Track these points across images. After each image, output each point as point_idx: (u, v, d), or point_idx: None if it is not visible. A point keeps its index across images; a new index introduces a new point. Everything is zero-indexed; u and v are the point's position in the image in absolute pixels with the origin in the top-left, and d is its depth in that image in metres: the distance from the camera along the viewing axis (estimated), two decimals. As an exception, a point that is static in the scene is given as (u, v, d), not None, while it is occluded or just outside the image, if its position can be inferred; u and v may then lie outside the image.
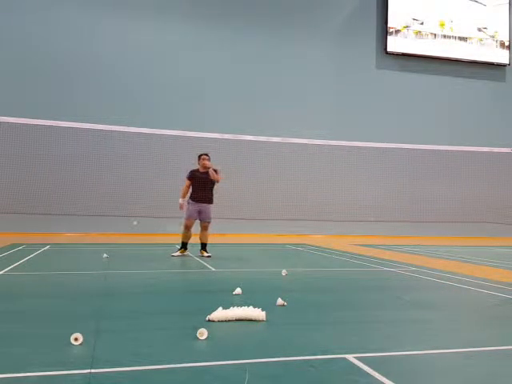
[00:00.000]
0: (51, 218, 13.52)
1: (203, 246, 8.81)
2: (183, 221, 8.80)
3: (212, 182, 8.75)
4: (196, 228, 8.86)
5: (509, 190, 16.85)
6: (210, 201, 8.75)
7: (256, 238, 14.15)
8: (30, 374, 2.41)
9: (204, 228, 8.76)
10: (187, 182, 8.75)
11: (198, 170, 8.80)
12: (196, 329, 3.12)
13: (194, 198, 8.68)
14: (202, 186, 8.65)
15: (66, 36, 15.64)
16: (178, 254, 8.65)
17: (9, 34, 15.19)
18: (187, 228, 8.71)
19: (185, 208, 8.69)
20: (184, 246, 8.78)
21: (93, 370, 2.46)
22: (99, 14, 15.87)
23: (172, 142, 12.98)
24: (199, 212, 8.68)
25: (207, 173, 8.69)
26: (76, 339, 2.91)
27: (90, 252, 9.49)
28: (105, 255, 8.10)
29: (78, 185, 14.21)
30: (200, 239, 8.83)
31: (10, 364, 2.57)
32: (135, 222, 14.36)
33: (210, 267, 7.14)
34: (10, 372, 2.43)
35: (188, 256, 8.65)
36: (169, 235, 12.67)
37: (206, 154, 8.81)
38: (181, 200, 8.71)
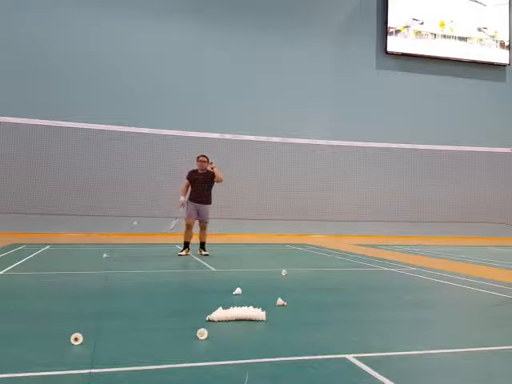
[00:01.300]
0: (51, 218, 13.52)
1: (202, 245, 9.01)
2: (184, 221, 8.94)
3: (210, 183, 8.94)
4: (195, 229, 8.97)
5: (509, 190, 16.85)
6: (207, 201, 8.94)
7: (256, 238, 14.15)
8: (30, 374, 2.41)
9: (203, 227, 8.98)
10: (186, 182, 8.98)
11: (196, 171, 8.99)
12: (196, 329, 3.12)
13: (192, 198, 8.89)
14: (199, 186, 8.85)
15: (66, 36, 15.64)
16: (184, 253, 8.82)
17: (9, 33, 15.18)
18: (188, 227, 8.88)
19: (183, 207, 8.87)
20: (187, 245, 8.92)
21: (93, 370, 2.46)
22: (99, 14, 15.86)
23: (172, 142, 12.98)
24: (198, 212, 8.87)
25: (205, 174, 8.92)
26: (76, 339, 2.91)
27: (90, 252, 9.49)
28: (105, 255, 8.11)
29: (77, 185, 14.21)
30: (199, 238, 9.03)
31: (10, 364, 2.57)
32: (135, 222, 14.35)
33: (210, 267, 7.14)
34: (10, 372, 2.43)
35: (188, 256, 8.66)
36: (168, 235, 12.65)
37: (204, 156, 9.00)
38: (182, 198, 8.88)
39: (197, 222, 8.95)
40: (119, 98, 15.68)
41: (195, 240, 9.00)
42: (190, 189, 8.96)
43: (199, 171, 8.94)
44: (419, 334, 3.44)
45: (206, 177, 8.89)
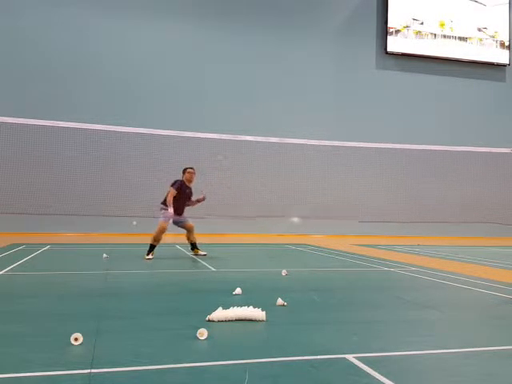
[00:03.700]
0: (51, 218, 13.53)
1: (194, 246, 8.77)
2: (159, 223, 8.35)
3: (189, 198, 8.69)
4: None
5: (508, 190, 16.85)
6: (184, 212, 8.66)
7: (256, 238, 14.14)
8: (30, 374, 2.41)
9: (191, 228, 8.62)
10: (174, 193, 8.35)
11: (184, 184, 8.59)
12: (196, 329, 3.12)
13: (174, 209, 8.32)
14: (183, 200, 8.54)
15: (66, 36, 15.64)
16: (151, 256, 8.17)
17: (8, 33, 15.18)
18: (162, 231, 8.31)
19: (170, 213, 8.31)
20: (153, 248, 8.29)
21: (93, 370, 2.46)
22: (99, 14, 15.87)
23: (171, 143, 12.98)
24: (176, 222, 8.58)
25: (190, 188, 8.64)
26: (76, 339, 2.91)
27: (90, 252, 9.49)
28: (105, 255, 8.10)
29: (77, 185, 14.21)
30: (189, 239, 8.72)
31: (10, 364, 2.56)
32: (134, 223, 14.38)
33: (210, 267, 7.14)
34: (10, 372, 2.43)
35: (187, 256, 8.66)
36: (168, 235, 12.65)
37: (192, 168, 8.69)
38: (171, 210, 8.23)
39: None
40: (119, 98, 15.69)
41: (184, 240, 8.89)
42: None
43: (186, 184, 8.58)
44: (419, 334, 3.44)
45: (189, 191, 8.63)
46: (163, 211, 8.35)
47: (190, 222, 8.68)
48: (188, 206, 8.74)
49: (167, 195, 8.38)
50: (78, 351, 2.81)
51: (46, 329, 3.35)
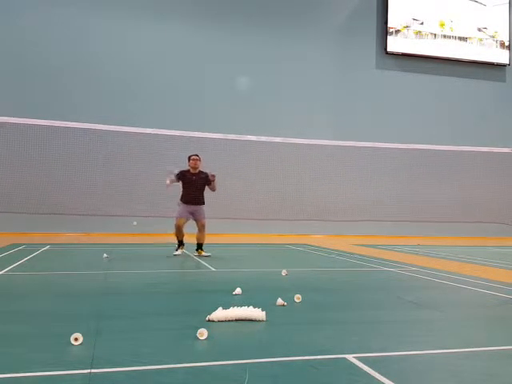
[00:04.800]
0: (51, 217, 13.51)
1: (200, 246, 8.79)
2: (174, 220, 8.68)
3: (203, 184, 8.68)
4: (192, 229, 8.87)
5: (509, 190, 16.84)
6: (201, 202, 8.68)
7: (256, 238, 14.14)
8: (30, 374, 2.41)
9: (202, 227, 8.68)
10: (174, 179, 8.70)
11: (188, 171, 8.69)
12: (196, 329, 3.12)
13: (185, 200, 8.57)
14: (192, 187, 8.55)
15: (66, 36, 15.63)
16: (179, 251, 8.67)
17: (7, 33, 15.18)
18: (178, 228, 8.61)
19: (169, 181, 8.57)
20: (181, 243, 8.77)
21: (93, 370, 2.46)
22: (99, 14, 15.86)
23: (172, 143, 12.96)
24: (192, 213, 8.62)
25: (198, 174, 8.66)
26: (76, 339, 2.91)
27: (90, 252, 9.49)
28: (105, 255, 8.10)
29: (77, 185, 14.19)
30: (198, 239, 8.78)
31: (10, 364, 2.56)
32: (135, 223, 14.37)
33: (210, 267, 7.14)
34: (10, 372, 2.43)
35: (188, 256, 8.66)
36: (168, 235, 12.65)
37: (196, 155, 8.75)
38: (168, 181, 8.55)
39: (192, 222, 8.75)
40: (119, 99, 15.68)
41: (191, 240, 8.91)
42: (181, 189, 8.70)
43: (191, 171, 8.65)
44: (419, 334, 3.44)
45: (198, 178, 8.62)
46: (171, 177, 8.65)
47: (204, 220, 8.69)
48: (212, 189, 8.79)
49: None
50: (77, 351, 2.81)
51: (45, 329, 3.35)
